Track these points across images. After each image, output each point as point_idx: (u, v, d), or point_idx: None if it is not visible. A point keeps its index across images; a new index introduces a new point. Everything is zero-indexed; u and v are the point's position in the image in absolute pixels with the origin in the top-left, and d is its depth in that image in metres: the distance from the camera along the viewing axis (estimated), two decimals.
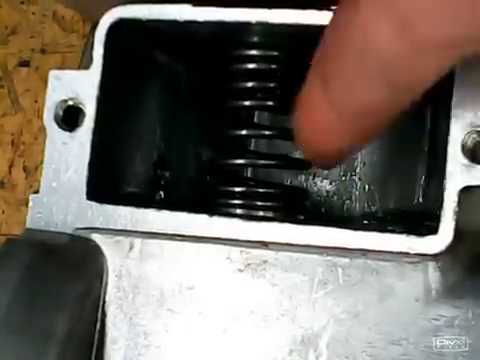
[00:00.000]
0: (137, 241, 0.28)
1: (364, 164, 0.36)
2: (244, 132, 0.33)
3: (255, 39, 0.30)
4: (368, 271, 0.26)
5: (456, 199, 0.25)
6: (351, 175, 0.36)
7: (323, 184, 0.37)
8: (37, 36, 0.50)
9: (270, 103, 0.32)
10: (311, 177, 0.37)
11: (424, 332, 0.26)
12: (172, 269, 0.28)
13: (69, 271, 0.28)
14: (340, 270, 0.27)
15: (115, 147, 0.31)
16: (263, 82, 0.32)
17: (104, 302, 0.28)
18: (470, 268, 0.26)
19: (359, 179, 0.36)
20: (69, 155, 0.29)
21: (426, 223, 0.28)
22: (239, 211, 0.33)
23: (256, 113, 0.37)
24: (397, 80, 0.22)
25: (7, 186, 0.63)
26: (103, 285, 0.28)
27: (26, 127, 0.49)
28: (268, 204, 0.33)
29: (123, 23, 0.28)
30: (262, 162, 0.34)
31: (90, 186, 0.29)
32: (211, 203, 0.33)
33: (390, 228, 0.27)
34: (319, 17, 0.26)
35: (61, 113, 0.29)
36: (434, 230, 0.25)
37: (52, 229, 0.29)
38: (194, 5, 0.28)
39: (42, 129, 0.31)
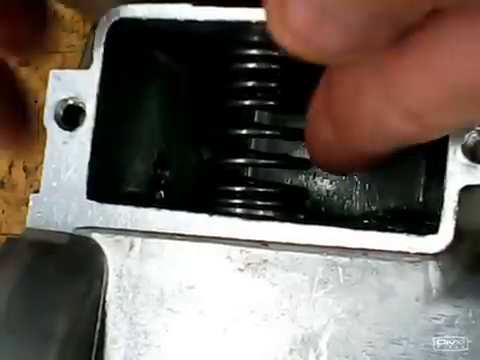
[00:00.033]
0: (137, 240, 0.28)
1: None
2: (244, 131, 0.33)
3: (255, 38, 0.30)
4: (368, 270, 0.26)
5: (456, 198, 0.25)
6: (351, 174, 0.36)
7: (323, 183, 0.37)
8: None
9: (270, 102, 0.32)
10: (311, 176, 0.37)
11: (424, 331, 0.26)
12: (172, 268, 0.28)
13: (69, 270, 0.28)
14: (340, 269, 0.26)
15: (115, 146, 0.31)
16: (263, 81, 0.32)
17: (104, 301, 0.28)
18: (470, 268, 0.26)
19: (359, 178, 0.36)
20: (69, 154, 0.29)
21: (426, 222, 0.28)
22: (239, 210, 0.33)
23: (256, 112, 0.37)
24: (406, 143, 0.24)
25: (7, 186, 0.63)
26: (103, 284, 0.28)
27: None
28: (268, 203, 0.33)
29: (123, 23, 0.28)
30: (262, 161, 0.34)
31: (90, 185, 0.29)
32: (211, 202, 0.33)
33: (390, 227, 0.27)
34: None
35: (61, 112, 0.29)
36: (434, 229, 0.25)
37: (52, 228, 0.29)
38: (194, 4, 0.28)
39: (42, 129, 0.31)
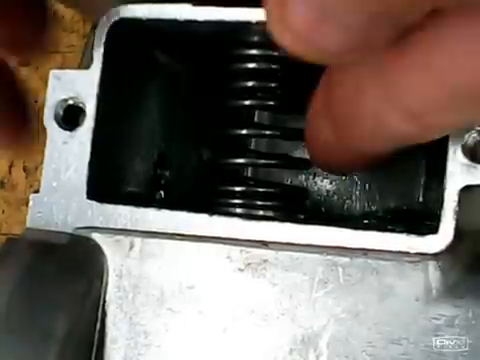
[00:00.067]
0: (137, 240, 0.28)
1: None
2: (244, 131, 0.33)
3: (255, 38, 0.30)
4: (368, 270, 0.26)
5: (456, 199, 0.25)
6: (351, 174, 0.36)
7: (323, 183, 0.37)
8: None
9: (270, 102, 0.32)
10: (311, 176, 0.37)
11: (424, 331, 0.26)
12: (172, 268, 0.28)
13: (69, 270, 0.28)
14: (340, 269, 0.26)
15: (115, 146, 0.31)
16: (263, 81, 0.32)
17: (104, 301, 0.28)
18: (470, 267, 0.26)
19: (359, 178, 0.36)
20: (69, 154, 0.29)
21: (426, 222, 0.28)
22: (239, 210, 0.33)
23: (256, 112, 0.37)
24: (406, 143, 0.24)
25: (7, 186, 0.63)
26: (103, 284, 0.28)
27: None
28: (268, 203, 0.33)
29: (123, 23, 0.28)
30: (262, 161, 0.34)
31: (90, 185, 0.29)
32: (211, 202, 0.33)
33: (390, 227, 0.27)
34: None
35: (61, 112, 0.29)
36: (434, 229, 0.25)
37: (52, 229, 0.29)
38: (194, 4, 0.28)
39: (42, 129, 0.31)
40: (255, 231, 0.27)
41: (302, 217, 0.34)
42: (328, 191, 0.37)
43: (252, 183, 0.35)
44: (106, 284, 0.28)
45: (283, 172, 0.37)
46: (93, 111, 0.29)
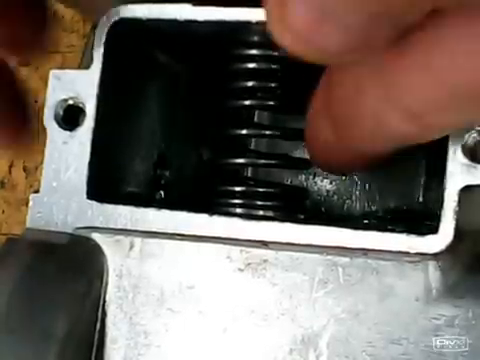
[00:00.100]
0: (137, 240, 0.28)
1: None
2: (244, 131, 0.33)
3: (255, 38, 0.30)
4: (368, 270, 0.26)
5: (456, 199, 0.25)
6: (351, 174, 0.36)
7: (323, 183, 0.37)
8: None
9: (270, 102, 0.32)
10: (311, 176, 0.37)
11: (424, 331, 0.26)
12: (172, 268, 0.28)
13: (69, 270, 0.28)
14: (340, 269, 0.26)
15: (115, 146, 0.31)
16: (263, 81, 0.31)
17: (104, 301, 0.28)
18: (470, 267, 0.26)
19: (359, 178, 0.36)
20: (69, 154, 0.29)
21: (426, 222, 0.28)
22: (239, 210, 0.33)
23: (256, 112, 0.37)
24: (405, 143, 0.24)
25: (7, 186, 0.63)
26: (103, 284, 0.28)
27: None
28: (268, 203, 0.33)
29: (123, 23, 0.28)
30: (262, 162, 0.34)
31: (90, 185, 0.29)
32: (211, 202, 0.33)
33: (390, 227, 0.27)
34: None
35: (61, 112, 0.29)
36: (434, 229, 0.25)
37: (52, 229, 0.29)
38: (194, 4, 0.28)
39: (42, 129, 0.31)
40: (255, 231, 0.27)
41: (302, 217, 0.34)
42: (328, 191, 0.37)
43: (252, 183, 0.35)
44: (106, 284, 0.28)
45: (283, 172, 0.37)
46: (93, 111, 0.29)
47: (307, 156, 0.30)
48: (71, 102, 0.29)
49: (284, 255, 0.27)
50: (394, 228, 0.26)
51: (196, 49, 0.32)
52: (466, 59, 0.20)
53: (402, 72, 0.21)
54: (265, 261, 0.27)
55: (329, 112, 0.25)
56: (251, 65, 0.31)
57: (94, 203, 0.28)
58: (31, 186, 0.60)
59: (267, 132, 0.34)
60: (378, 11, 0.18)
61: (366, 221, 0.34)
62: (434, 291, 0.26)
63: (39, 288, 0.27)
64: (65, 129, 0.29)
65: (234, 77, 0.32)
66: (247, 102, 0.32)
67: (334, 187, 0.37)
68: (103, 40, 0.28)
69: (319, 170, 0.36)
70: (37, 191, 0.30)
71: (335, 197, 0.36)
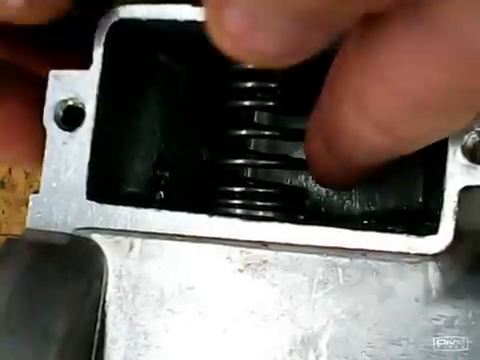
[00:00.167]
0: (137, 241, 0.28)
1: None
2: (244, 132, 0.33)
3: None
4: (368, 271, 0.26)
5: (456, 199, 0.25)
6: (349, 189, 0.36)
7: None
8: None
9: (270, 103, 0.32)
10: (311, 177, 0.37)
11: (424, 332, 0.26)
12: (172, 269, 0.28)
13: (69, 271, 0.28)
14: (340, 270, 0.26)
15: (115, 147, 0.31)
16: (263, 82, 0.32)
17: (104, 302, 0.28)
18: (470, 268, 0.26)
19: None
20: (69, 155, 0.29)
21: (426, 223, 0.28)
22: (239, 211, 0.33)
23: (256, 113, 0.37)
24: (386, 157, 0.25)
25: (7, 186, 0.63)
26: (103, 285, 0.28)
27: None
28: (268, 204, 0.33)
29: (123, 23, 0.28)
30: (262, 162, 0.34)
31: (90, 186, 0.29)
32: (211, 203, 0.33)
33: (390, 228, 0.27)
34: None
35: (61, 113, 0.29)
36: (434, 230, 0.25)
37: (52, 229, 0.29)
38: (194, 5, 0.28)
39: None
40: (255, 232, 0.27)
41: (302, 218, 0.34)
42: (328, 191, 0.37)
43: (252, 184, 0.35)
44: (106, 284, 0.28)
45: (283, 172, 0.37)
46: (93, 112, 0.29)
47: None
48: (71, 103, 0.29)
49: (284, 256, 0.27)
50: (394, 229, 0.27)
51: (196, 49, 0.32)
52: (411, 68, 0.19)
53: (364, 84, 0.21)
54: (265, 262, 0.27)
55: (321, 129, 0.26)
56: (250, 65, 0.31)
57: (94, 204, 0.28)
58: (31, 186, 0.60)
59: (267, 132, 0.34)
60: (305, 16, 0.18)
61: (366, 222, 0.34)
62: (434, 292, 0.26)
63: (39, 288, 0.27)
64: (65, 130, 0.29)
65: (234, 77, 0.32)
66: (247, 102, 0.32)
67: None
68: (103, 41, 0.28)
69: None
70: (37, 191, 0.29)
71: (335, 197, 0.36)
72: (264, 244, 0.27)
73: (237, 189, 0.33)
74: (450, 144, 0.25)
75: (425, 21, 0.18)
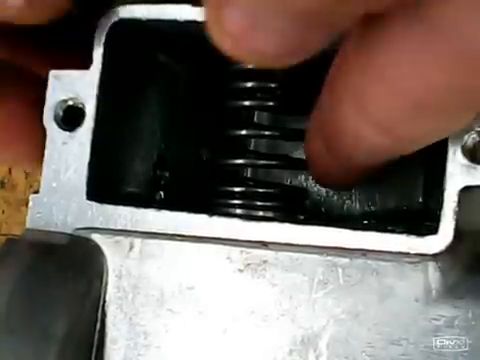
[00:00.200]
0: (137, 241, 0.28)
1: None
2: (244, 132, 0.33)
3: None
4: (368, 271, 0.26)
5: (456, 199, 0.25)
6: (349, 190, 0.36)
7: None
8: None
9: (270, 103, 0.32)
10: (311, 177, 0.37)
11: (424, 332, 0.26)
12: (172, 269, 0.28)
13: (69, 271, 0.28)
14: (340, 270, 0.26)
15: (115, 147, 0.31)
16: (263, 82, 0.32)
17: (104, 302, 0.28)
18: (470, 268, 0.26)
19: None
20: (69, 155, 0.29)
21: (426, 223, 0.28)
22: (239, 211, 0.33)
23: (256, 113, 0.37)
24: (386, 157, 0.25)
25: (7, 186, 0.63)
26: (103, 285, 0.28)
27: None
28: (268, 204, 0.33)
29: (123, 23, 0.28)
30: (262, 162, 0.34)
31: (90, 186, 0.29)
32: (211, 203, 0.33)
33: (390, 228, 0.27)
34: None
35: (61, 113, 0.29)
36: (434, 230, 0.25)
37: (52, 229, 0.29)
38: (194, 5, 0.28)
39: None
40: (255, 232, 0.27)
41: (302, 217, 0.34)
42: (328, 191, 0.37)
43: (252, 184, 0.35)
44: (106, 284, 0.28)
45: (283, 172, 0.37)
46: (93, 112, 0.29)
47: None
48: (71, 103, 0.29)
49: (284, 256, 0.27)
50: (394, 229, 0.26)
51: (196, 49, 0.32)
52: (411, 68, 0.19)
53: (364, 84, 0.21)
54: (265, 262, 0.27)
55: (321, 129, 0.26)
56: (250, 65, 0.31)
57: (94, 204, 0.28)
58: (31, 186, 0.60)
59: (267, 132, 0.34)
60: (305, 16, 0.18)
61: (366, 222, 0.34)
62: (434, 292, 0.26)
63: (39, 288, 0.27)
64: (65, 130, 0.29)
65: (234, 77, 0.32)
66: (247, 102, 0.32)
67: None
68: (102, 41, 0.28)
69: None
70: (37, 191, 0.29)
71: (335, 197, 0.36)
72: (264, 244, 0.27)
73: (237, 189, 0.33)
74: (450, 144, 0.25)
75: (425, 21, 0.18)
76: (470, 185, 0.25)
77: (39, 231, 0.29)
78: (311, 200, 0.37)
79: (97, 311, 0.28)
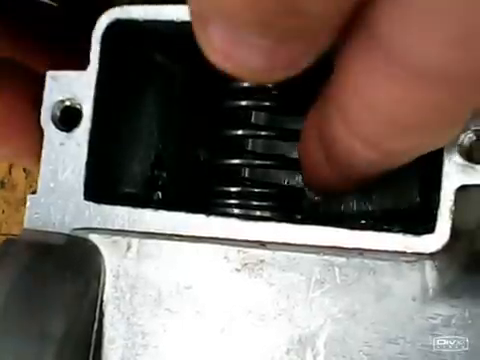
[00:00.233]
0: (134, 241, 0.28)
1: None
2: (241, 132, 0.33)
3: None
4: (365, 270, 0.26)
5: (452, 198, 0.25)
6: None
7: None
8: None
9: (267, 103, 0.32)
10: (306, 184, 0.37)
11: (421, 331, 0.26)
12: (169, 269, 0.28)
13: (67, 271, 0.28)
14: (337, 269, 0.27)
15: (112, 147, 0.31)
16: None
17: (102, 302, 0.28)
18: (467, 267, 0.26)
19: None
20: (66, 155, 0.29)
21: (423, 222, 0.28)
22: (236, 211, 0.33)
23: (253, 113, 0.37)
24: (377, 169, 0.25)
25: (7, 186, 0.63)
26: (101, 285, 0.28)
27: None
28: (265, 204, 0.33)
29: (120, 24, 0.28)
30: (259, 162, 0.34)
31: (87, 186, 0.29)
32: (208, 203, 0.33)
33: (387, 227, 0.27)
34: None
35: (58, 113, 0.29)
36: (431, 229, 0.25)
37: (50, 229, 0.29)
38: None
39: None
40: (252, 231, 0.27)
41: (299, 217, 0.34)
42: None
43: (249, 183, 0.35)
44: (103, 284, 0.28)
45: (280, 172, 0.37)
46: (90, 112, 0.29)
47: None
48: (68, 103, 0.29)
49: (281, 255, 0.27)
50: (390, 228, 0.27)
51: (193, 50, 0.32)
52: (374, 83, 0.19)
53: (345, 98, 0.21)
54: (262, 261, 0.27)
55: (321, 137, 0.26)
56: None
57: (91, 204, 0.29)
58: (31, 186, 0.60)
59: (264, 133, 0.34)
60: (284, 35, 0.18)
61: (363, 221, 0.34)
62: (431, 291, 0.26)
63: (37, 288, 0.27)
64: (62, 130, 0.29)
65: (231, 78, 0.32)
66: (244, 103, 0.32)
67: None
68: (100, 41, 0.28)
69: None
70: (35, 192, 0.30)
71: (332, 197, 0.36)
72: (261, 244, 0.27)
73: (234, 189, 0.33)
74: (446, 143, 0.25)
75: (375, 39, 0.19)
76: (466, 184, 0.25)
77: (37, 231, 0.29)
78: (308, 200, 0.37)
79: (95, 311, 0.28)
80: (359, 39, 0.19)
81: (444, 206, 0.25)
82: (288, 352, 0.27)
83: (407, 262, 0.26)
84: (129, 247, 0.28)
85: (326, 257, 0.27)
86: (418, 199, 0.34)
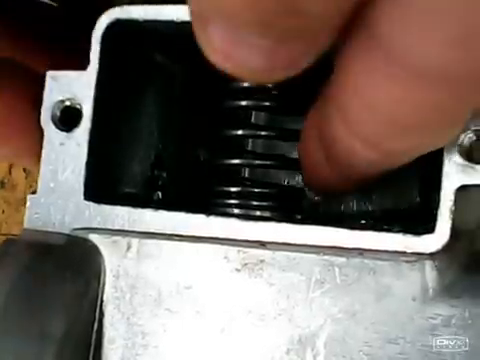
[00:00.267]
0: (134, 241, 0.28)
1: None
2: (241, 132, 0.33)
3: None
4: (365, 270, 0.26)
5: (452, 198, 0.25)
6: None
7: None
8: None
9: (267, 103, 0.32)
10: (306, 184, 0.37)
11: (421, 331, 0.26)
12: (170, 269, 0.28)
13: (67, 271, 0.28)
14: (337, 269, 0.27)
15: (112, 147, 0.31)
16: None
17: (102, 302, 0.28)
18: (467, 267, 0.26)
19: None
20: (66, 155, 0.29)
21: (423, 222, 0.28)
22: (236, 211, 0.33)
23: (253, 113, 0.37)
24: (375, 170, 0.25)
25: (7, 186, 0.63)
26: (101, 285, 0.28)
27: None
28: (265, 204, 0.33)
29: (120, 24, 0.28)
30: (259, 162, 0.34)
31: (87, 186, 0.29)
32: (208, 203, 0.33)
33: (387, 227, 0.27)
34: None
35: (58, 113, 0.29)
36: (431, 229, 0.25)
37: (50, 229, 0.29)
38: None
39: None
40: (252, 231, 0.27)
41: (299, 217, 0.34)
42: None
43: (249, 183, 0.35)
44: (103, 284, 0.28)
45: (280, 172, 0.37)
46: (90, 112, 0.29)
47: None
48: (68, 103, 0.29)
49: (281, 255, 0.27)
50: (390, 228, 0.27)
51: (193, 50, 0.32)
52: (374, 82, 0.19)
53: (345, 98, 0.21)
54: (262, 261, 0.27)
55: (321, 137, 0.26)
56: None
57: (91, 204, 0.29)
58: (31, 186, 0.60)
59: (264, 133, 0.34)
60: (284, 35, 0.18)
61: (363, 221, 0.35)
62: (431, 291, 0.26)
63: (37, 288, 0.27)
64: (62, 130, 0.29)
65: (231, 77, 0.32)
66: (244, 103, 0.32)
67: None
68: (100, 41, 0.28)
69: None
70: (35, 192, 0.30)
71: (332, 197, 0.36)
72: (261, 244, 0.27)
73: (234, 189, 0.33)
74: (447, 143, 0.25)
75: (375, 39, 0.19)
76: (466, 184, 0.25)
77: (37, 231, 0.29)
78: (308, 200, 0.37)
79: (95, 311, 0.28)
80: (359, 39, 0.19)
81: (444, 206, 0.25)
82: (288, 352, 0.27)
83: (407, 262, 0.26)
84: (129, 247, 0.28)
85: (326, 257, 0.27)
86: (418, 199, 0.34)
